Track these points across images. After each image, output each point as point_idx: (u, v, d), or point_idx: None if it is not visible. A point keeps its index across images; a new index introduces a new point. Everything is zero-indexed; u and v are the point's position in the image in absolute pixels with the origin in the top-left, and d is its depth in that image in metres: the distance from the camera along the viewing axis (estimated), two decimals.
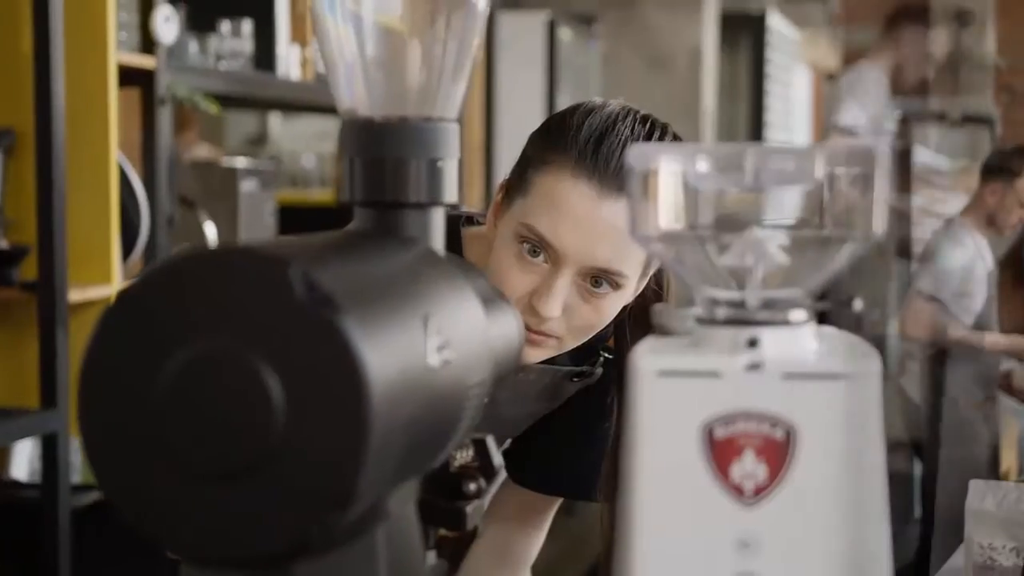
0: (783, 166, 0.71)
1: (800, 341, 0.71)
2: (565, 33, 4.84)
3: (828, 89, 9.93)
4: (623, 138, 1.28)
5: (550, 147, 1.29)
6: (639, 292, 1.36)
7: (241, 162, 3.27)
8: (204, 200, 3.16)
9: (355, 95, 0.85)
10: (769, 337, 0.70)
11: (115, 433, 0.64)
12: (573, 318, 1.29)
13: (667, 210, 0.73)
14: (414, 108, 0.85)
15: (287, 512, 0.62)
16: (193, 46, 2.97)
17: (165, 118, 2.72)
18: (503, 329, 0.87)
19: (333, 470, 0.62)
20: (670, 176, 0.73)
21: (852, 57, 9.88)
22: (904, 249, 4.63)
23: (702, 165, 0.72)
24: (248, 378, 0.62)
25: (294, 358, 0.62)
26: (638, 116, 1.31)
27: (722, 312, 0.72)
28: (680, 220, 0.73)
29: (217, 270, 0.64)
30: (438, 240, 0.84)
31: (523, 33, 4.71)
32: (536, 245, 1.27)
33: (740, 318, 0.72)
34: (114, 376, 0.65)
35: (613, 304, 1.30)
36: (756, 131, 7.37)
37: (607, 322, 1.32)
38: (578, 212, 1.25)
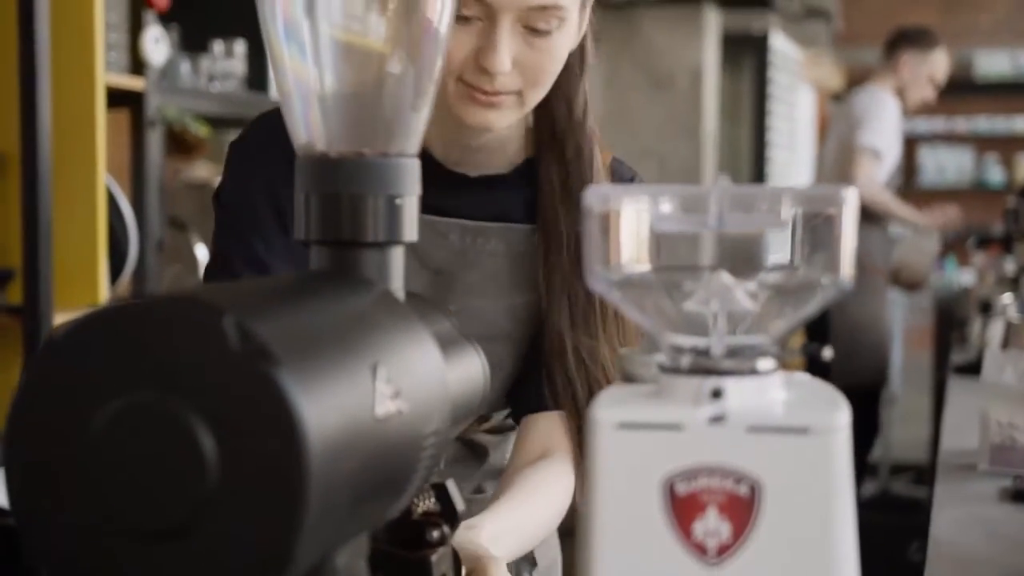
0: (748, 208, 0.68)
1: (767, 391, 0.68)
2: None
3: (832, 108, 9.93)
4: None
5: None
6: (583, 26, 1.31)
7: None
8: (198, 222, 3.13)
9: (311, 129, 0.82)
10: (734, 387, 0.67)
11: (40, 484, 0.61)
12: (525, 69, 1.24)
13: (627, 253, 0.70)
14: (372, 143, 0.82)
15: (221, 575, 0.59)
16: (185, 66, 2.95)
17: (155, 140, 2.69)
18: (464, 371, 0.84)
19: (269, 531, 0.59)
20: (631, 217, 0.69)
21: (856, 76, 9.88)
22: None
23: (665, 207, 0.69)
24: (180, 432, 0.59)
25: (228, 412, 0.59)
26: None
27: (686, 360, 0.69)
28: (642, 263, 0.70)
29: (150, 318, 0.61)
30: (397, 279, 0.81)
31: None
32: (466, 4, 1.20)
33: (704, 367, 0.68)
34: (42, 425, 0.62)
35: (560, 43, 1.25)
36: (759, 151, 7.34)
37: (560, 64, 1.26)
38: None
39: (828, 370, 4.31)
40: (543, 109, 1.34)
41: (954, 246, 9.87)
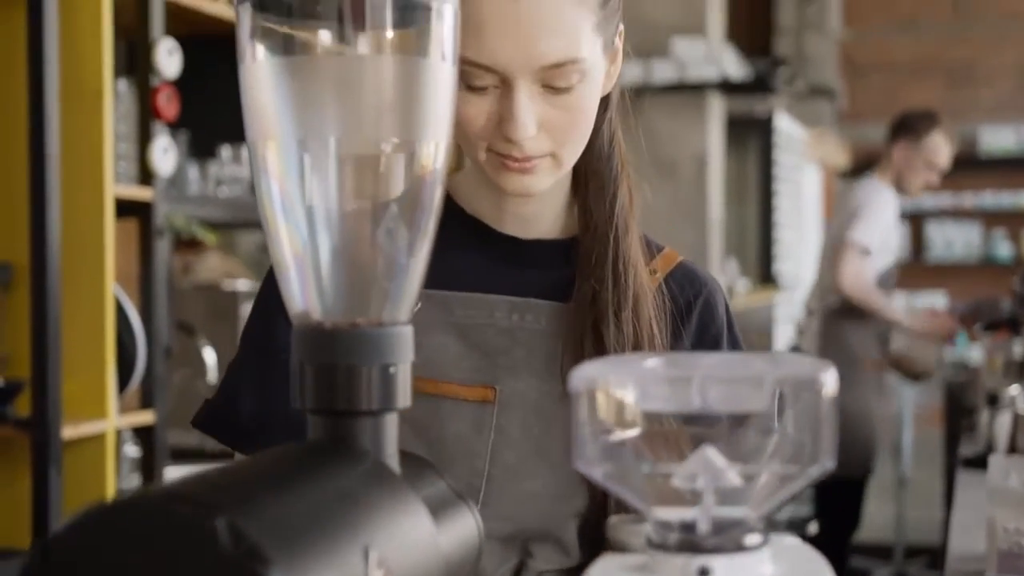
0: (730, 391, 0.69)
1: (754, 568, 0.69)
2: None
3: (839, 185, 9.98)
4: None
5: None
6: (613, 72, 1.25)
7: (243, 284, 3.27)
8: (205, 323, 3.15)
9: (307, 299, 0.84)
10: (721, 566, 0.68)
11: None
12: (553, 129, 1.17)
13: (614, 432, 0.71)
14: (367, 312, 0.83)
15: None
16: (193, 172, 2.99)
17: (163, 249, 2.72)
18: (457, 533, 0.85)
19: None
20: (616, 397, 0.71)
21: (861, 154, 9.95)
22: None
23: (649, 388, 0.70)
24: None
25: None
26: None
27: (673, 538, 0.70)
28: (626, 442, 0.72)
29: (141, 519, 0.62)
30: (391, 447, 0.83)
31: None
32: (476, 75, 1.14)
33: (691, 544, 0.69)
34: None
35: (586, 94, 1.18)
36: (766, 232, 7.37)
37: (591, 116, 1.20)
38: (497, 20, 1.12)
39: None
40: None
41: (965, 323, 9.88)
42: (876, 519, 6.57)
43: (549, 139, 1.18)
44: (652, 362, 0.73)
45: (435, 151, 0.84)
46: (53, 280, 2.42)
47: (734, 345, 1.35)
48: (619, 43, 1.25)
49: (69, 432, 2.45)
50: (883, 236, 4.33)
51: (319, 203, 0.82)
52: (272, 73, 0.81)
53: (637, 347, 1.25)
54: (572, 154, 1.21)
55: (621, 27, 1.24)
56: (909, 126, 4.46)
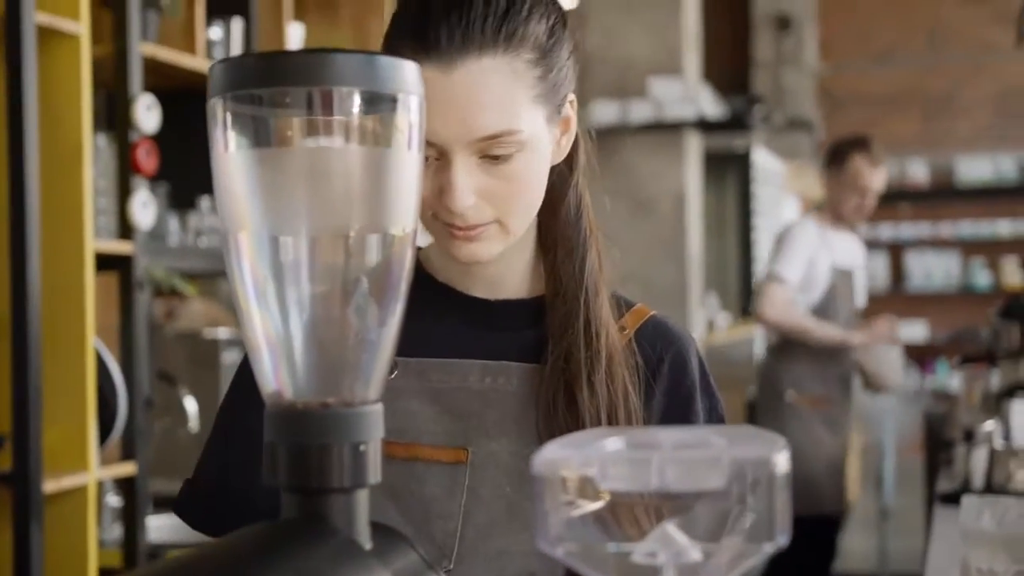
0: (688, 471, 0.72)
1: None
2: None
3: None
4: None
5: (389, 50, 1.19)
6: (564, 142, 1.26)
7: (224, 333, 3.29)
8: (187, 370, 3.17)
9: (279, 379, 0.86)
10: None
11: None
12: (493, 198, 1.19)
13: (574, 511, 0.74)
14: (337, 392, 0.86)
15: None
16: (173, 223, 3.01)
17: (143, 302, 2.74)
18: None
19: None
20: (577, 478, 0.73)
21: None
22: None
23: (609, 469, 0.73)
24: None
25: None
26: None
27: None
28: (587, 521, 0.74)
29: None
30: (362, 522, 0.85)
31: None
32: None
33: None
34: None
35: (526, 164, 1.19)
36: (745, 265, 7.42)
37: (534, 185, 1.21)
38: (433, 95, 1.10)
39: None
40: (541, 225, 1.30)
41: (946, 351, 9.95)
42: (858, 550, 6.60)
43: (491, 207, 1.20)
44: (613, 442, 0.76)
45: (403, 234, 0.87)
46: (34, 334, 2.44)
47: (709, 398, 1.36)
48: (570, 112, 1.26)
49: (51, 485, 2.46)
50: (807, 270, 4.30)
51: (291, 288, 0.85)
52: (244, 164, 0.84)
53: (611, 408, 1.27)
54: (519, 221, 1.23)
55: (572, 97, 1.26)
56: (832, 155, 4.46)
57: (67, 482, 2.50)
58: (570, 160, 1.30)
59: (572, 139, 1.28)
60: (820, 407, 4.36)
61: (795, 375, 4.34)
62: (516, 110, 1.17)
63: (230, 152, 0.84)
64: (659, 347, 1.33)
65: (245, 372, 1.32)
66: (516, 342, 1.31)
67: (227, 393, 1.35)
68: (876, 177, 4.38)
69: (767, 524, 0.72)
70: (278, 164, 0.85)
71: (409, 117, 0.85)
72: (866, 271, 4.85)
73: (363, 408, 0.85)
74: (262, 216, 0.84)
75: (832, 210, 4.44)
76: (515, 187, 1.20)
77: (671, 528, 0.73)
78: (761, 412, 4.44)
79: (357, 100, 0.83)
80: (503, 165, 1.18)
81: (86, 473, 2.54)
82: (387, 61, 0.84)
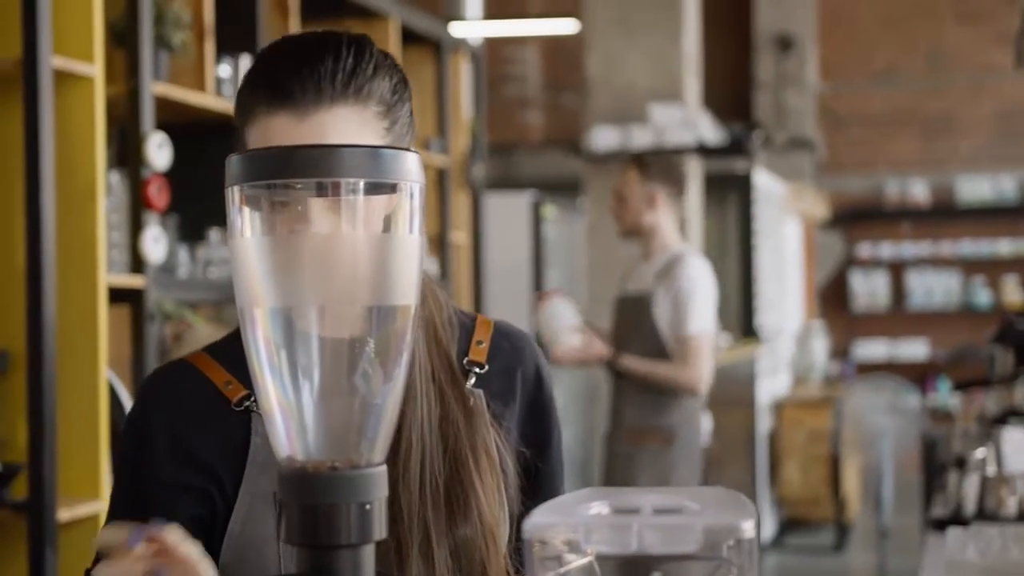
0: (665, 536, 0.79)
1: None
2: (549, 211, 4.98)
3: (819, 236, 10.13)
4: (300, 49, 1.25)
5: (244, 102, 1.26)
6: None
7: None
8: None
9: (291, 444, 0.94)
10: None
11: None
12: None
13: (561, 569, 0.81)
14: (345, 455, 0.94)
15: None
16: (184, 255, 3.09)
17: (153, 334, 2.82)
18: None
19: None
20: (563, 541, 0.81)
21: (840, 204, 10.10)
22: None
23: (593, 534, 0.80)
24: None
25: None
26: (308, 34, 1.27)
27: None
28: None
29: None
30: (368, 573, 0.92)
31: (509, 212, 4.86)
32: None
33: None
34: None
35: (373, 212, 1.22)
36: (746, 286, 7.48)
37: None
38: (284, 140, 1.21)
39: None
40: None
41: (946, 369, 10.01)
42: (858, 568, 6.66)
43: None
44: (596, 508, 0.83)
45: (405, 306, 0.95)
46: (49, 367, 2.51)
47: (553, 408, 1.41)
48: None
49: (65, 514, 2.53)
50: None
51: (301, 358, 0.93)
52: (258, 247, 0.92)
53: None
54: None
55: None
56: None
57: (81, 510, 2.58)
58: None
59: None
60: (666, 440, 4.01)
61: (620, 408, 4.06)
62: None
63: (246, 237, 0.91)
64: (512, 354, 1.38)
65: (137, 428, 1.31)
66: None
67: (121, 452, 1.33)
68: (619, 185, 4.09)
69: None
70: (290, 248, 0.93)
71: (411, 203, 0.93)
72: None
73: (368, 470, 0.93)
74: (275, 293, 0.92)
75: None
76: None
77: None
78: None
79: (362, 188, 0.91)
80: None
81: (99, 502, 2.61)
82: (389, 154, 0.92)
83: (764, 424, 7.34)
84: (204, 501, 1.28)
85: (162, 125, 2.90)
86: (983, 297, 10.14)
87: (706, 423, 4.16)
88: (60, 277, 2.56)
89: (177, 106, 3.01)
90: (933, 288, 10.25)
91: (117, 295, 2.76)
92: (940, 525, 3.17)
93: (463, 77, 4.80)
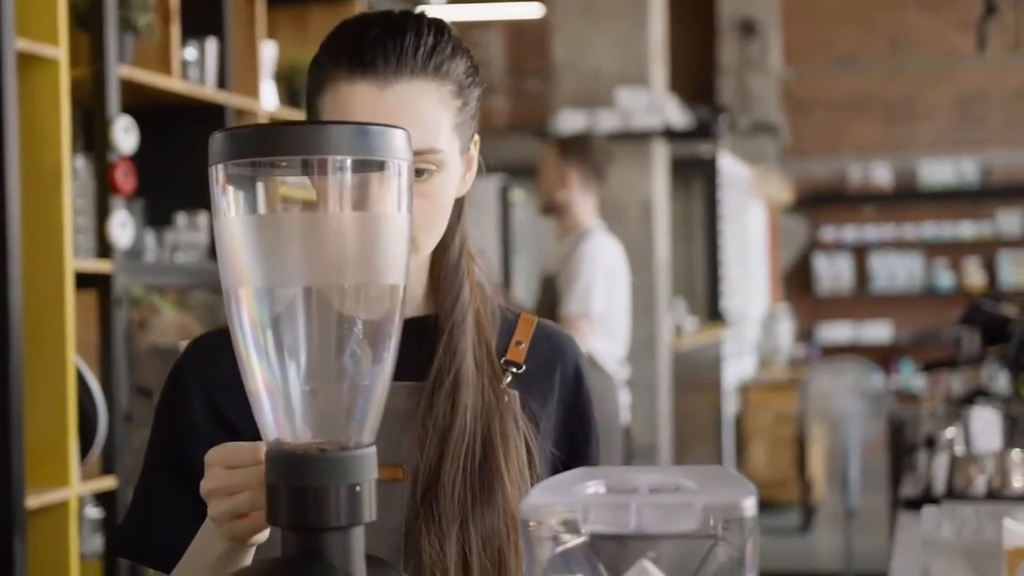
0: (663, 515, 0.78)
1: None
2: (517, 195, 4.97)
3: (783, 221, 10.17)
4: (383, 22, 1.27)
5: (321, 70, 1.27)
6: (468, 178, 1.33)
7: None
8: (160, 384, 3.21)
9: (280, 426, 0.92)
10: None
11: None
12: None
13: (559, 549, 0.80)
14: (334, 436, 0.92)
15: None
16: (151, 240, 3.06)
17: (121, 318, 2.79)
18: None
19: None
20: (560, 521, 0.80)
21: (804, 188, 10.14)
22: None
23: (591, 513, 0.79)
24: None
25: None
26: (389, 12, 1.30)
27: None
28: (570, 557, 0.80)
29: None
30: (358, 556, 0.91)
31: (477, 196, 4.81)
32: None
33: None
34: None
35: (442, 185, 1.26)
36: (712, 270, 7.50)
37: (447, 206, 1.28)
38: (364, 108, 1.22)
39: None
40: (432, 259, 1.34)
41: (910, 351, 10.09)
42: (825, 549, 6.71)
43: None
44: (593, 487, 0.82)
45: (393, 286, 0.93)
46: (16, 353, 2.48)
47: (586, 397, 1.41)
48: (475, 152, 1.34)
49: (33, 501, 2.50)
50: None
51: (288, 339, 0.91)
52: (243, 226, 0.90)
53: (488, 421, 1.30)
54: (428, 240, 1.28)
55: (477, 138, 1.34)
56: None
57: (49, 497, 2.55)
58: (460, 197, 1.35)
59: (473, 177, 1.36)
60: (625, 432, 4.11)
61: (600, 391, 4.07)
62: (439, 131, 1.26)
63: (230, 217, 0.90)
64: (551, 354, 1.38)
65: (168, 401, 1.35)
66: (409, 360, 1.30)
67: (154, 426, 1.36)
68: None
69: (737, 562, 0.78)
70: (275, 226, 0.91)
71: (399, 181, 0.91)
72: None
73: (358, 451, 0.91)
74: (260, 273, 0.91)
75: None
76: (430, 205, 1.26)
77: (647, 564, 0.80)
78: None
79: (349, 166, 0.89)
80: (421, 183, 1.25)
81: (67, 488, 2.58)
82: (377, 131, 0.90)
83: (730, 407, 7.37)
84: None
85: (128, 109, 2.87)
86: (945, 280, 10.21)
87: (623, 398, 4.14)
88: (26, 262, 2.52)
89: (143, 89, 2.98)
90: (896, 271, 10.31)
91: (84, 280, 2.72)
92: (913, 504, 3.18)
93: None
